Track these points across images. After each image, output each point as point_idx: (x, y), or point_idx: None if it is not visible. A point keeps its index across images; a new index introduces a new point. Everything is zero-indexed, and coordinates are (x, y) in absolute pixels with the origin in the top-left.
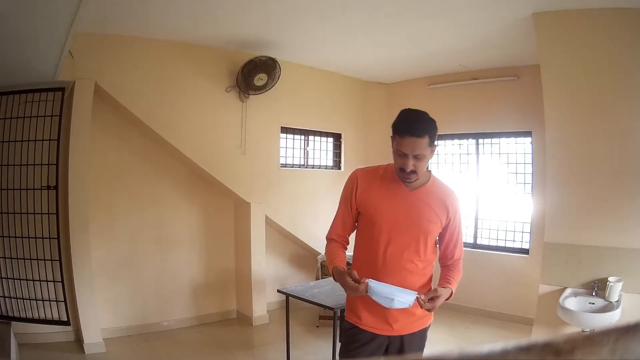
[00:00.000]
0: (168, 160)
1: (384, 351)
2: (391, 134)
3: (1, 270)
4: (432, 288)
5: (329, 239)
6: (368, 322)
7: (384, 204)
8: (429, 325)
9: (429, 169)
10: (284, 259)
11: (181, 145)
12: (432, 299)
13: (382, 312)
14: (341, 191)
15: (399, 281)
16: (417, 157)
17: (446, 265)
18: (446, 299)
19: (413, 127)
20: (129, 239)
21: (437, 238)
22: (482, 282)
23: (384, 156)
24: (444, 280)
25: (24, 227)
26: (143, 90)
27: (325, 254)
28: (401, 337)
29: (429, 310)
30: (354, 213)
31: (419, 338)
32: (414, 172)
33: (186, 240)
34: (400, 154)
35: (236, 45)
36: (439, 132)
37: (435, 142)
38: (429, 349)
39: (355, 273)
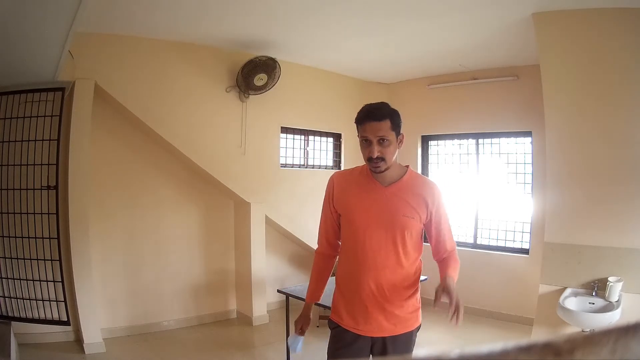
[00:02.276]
0: (168, 160)
1: (370, 352)
2: (356, 132)
3: (1, 270)
4: (419, 288)
5: (316, 252)
6: (349, 323)
7: (358, 202)
8: (416, 329)
9: (406, 164)
10: (284, 259)
11: (181, 145)
12: (444, 293)
13: (361, 312)
14: None
15: (379, 279)
16: (381, 143)
17: (442, 259)
18: None
19: (372, 112)
20: (129, 239)
21: (425, 234)
22: (482, 282)
23: None
24: (444, 272)
25: (24, 227)
26: (143, 90)
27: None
28: (383, 339)
29: (457, 306)
30: (335, 216)
31: (404, 341)
32: (381, 159)
33: (186, 240)
34: (365, 143)
35: (236, 45)
36: (438, 133)
37: (402, 132)
38: (429, 349)
39: (306, 324)
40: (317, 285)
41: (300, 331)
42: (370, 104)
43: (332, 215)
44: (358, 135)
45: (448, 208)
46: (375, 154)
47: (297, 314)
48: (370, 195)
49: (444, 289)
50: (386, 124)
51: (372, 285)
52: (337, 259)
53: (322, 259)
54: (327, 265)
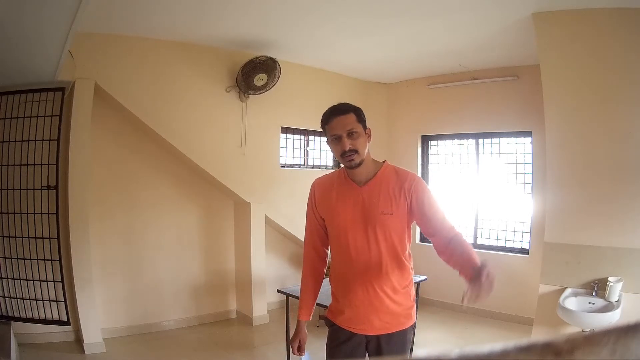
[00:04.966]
0: (168, 160)
1: (365, 350)
2: (325, 137)
3: (1, 270)
4: (412, 283)
5: (304, 263)
6: (344, 321)
7: (338, 205)
8: (411, 327)
9: (384, 160)
10: (284, 259)
11: (181, 145)
12: (479, 279)
13: (353, 312)
14: None
15: (367, 279)
16: (351, 135)
17: (449, 247)
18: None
19: (335, 108)
20: (129, 239)
21: (420, 228)
22: None
23: (383, 156)
24: (467, 265)
25: (24, 227)
26: (143, 90)
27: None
28: (378, 337)
29: (487, 288)
30: (321, 222)
31: (398, 339)
32: (354, 151)
33: (186, 240)
34: (335, 140)
35: (236, 45)
36: (438, 133)
37: (368, 127)
38: (429, 349)
39: (303, 340)
40: (309, 300)
41: (299, 350)
42: (332, 105)
43: (318, 221)
44: (327, 139)
45: (436, 197)
46: (347, 147)
47: (297, 315)
48: (348, 197)
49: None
50: (351, 116)
51: (361, 286)
52: (327, 267)
53: (311, 270)
54: (316, 277)
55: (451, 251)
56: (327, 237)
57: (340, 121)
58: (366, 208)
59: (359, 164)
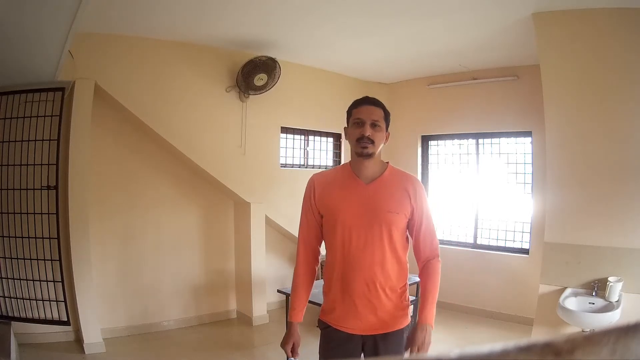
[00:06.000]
0: (168, 160)
1: (361, 351)
2: (345, 122)
3: (1, 270)
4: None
5: (297, 262)
6: (339, 321)
7: (341, 201)
8: (407, 327)
9: (387, 161)
10: (284, 259)
11: (181, 145)
12: (417, 345)
13: (352, 311)
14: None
15: (368, 277)
16: (374, 126)
17: (422, 271)
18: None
19: (369, 98)
20: (129, 239)
21: (408, 234)
22: (482, 282)
23: (383, 156)
24: (420, 309)
25: (24, 227)
26: (143, 90)
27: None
28: (374, 337)
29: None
30: (318, 219)
31: (395, 340)
32: (371, 140)
33: (186, 240)
34: (356, 124)
35: (236, 45)
36: (438, 133)
37: (389, 131)
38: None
39: (297, 343)
40: (302, 300)
41: (293, 354)
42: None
43: (315, 217)
44: (348, 121)
45: (431, 207)
46: (368, 132)
47: (289, 316)
48: (353, 193)
49: (413, 344)
50: (380, 111)
51: (361, 284)
52: (318, 267)
53: (305, 269)
54: (311, 275)
55: (421, 278)
56: (322, 235)
57: (369, 109)
58: (373, 206)
59: (370, 155)
